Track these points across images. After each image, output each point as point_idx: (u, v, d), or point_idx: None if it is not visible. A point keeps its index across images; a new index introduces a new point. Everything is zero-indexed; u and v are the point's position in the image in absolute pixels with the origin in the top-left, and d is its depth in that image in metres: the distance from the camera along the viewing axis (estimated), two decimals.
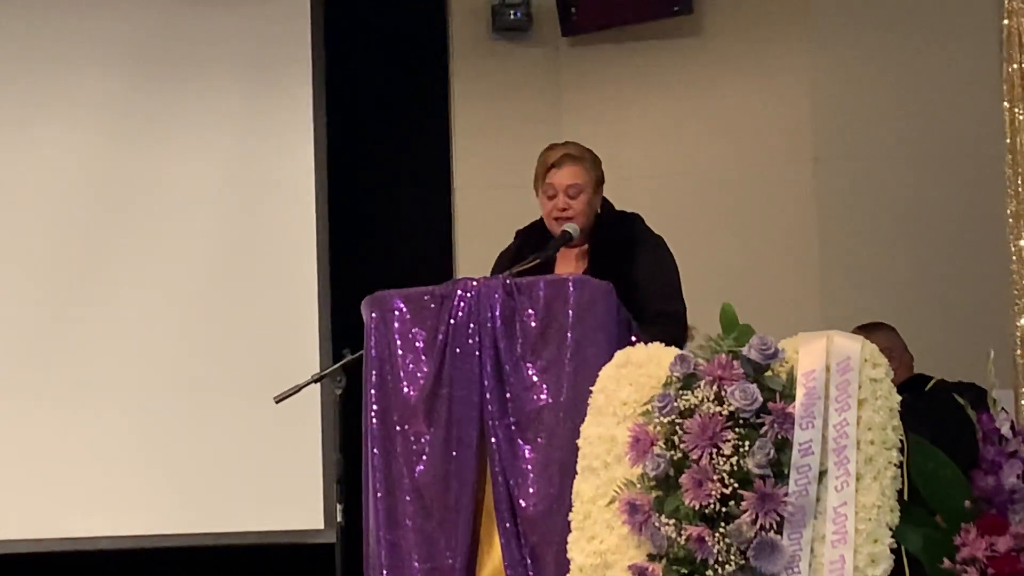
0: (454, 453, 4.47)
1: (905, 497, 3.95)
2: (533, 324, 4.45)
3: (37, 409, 7.18)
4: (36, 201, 7.32)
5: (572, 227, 4.95)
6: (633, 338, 4.42)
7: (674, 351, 4.05)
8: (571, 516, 4.09)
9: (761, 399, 3.85)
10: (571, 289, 4.44)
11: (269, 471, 7.19)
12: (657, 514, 3.86)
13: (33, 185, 7.32)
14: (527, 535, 4.37)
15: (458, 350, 4.49)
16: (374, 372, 4.57)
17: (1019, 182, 6.24)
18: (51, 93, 7.37)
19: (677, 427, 3.87)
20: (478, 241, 7.23)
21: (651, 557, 3.90)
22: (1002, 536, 3.91)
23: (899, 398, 3.92)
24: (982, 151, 6.85)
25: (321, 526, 7.12)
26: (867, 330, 5.88)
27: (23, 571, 7.11)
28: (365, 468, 4.59)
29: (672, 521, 3.83)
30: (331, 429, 6.64)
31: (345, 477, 4.93)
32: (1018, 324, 6.30)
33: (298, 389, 5.06)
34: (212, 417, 7.21)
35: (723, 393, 3.86)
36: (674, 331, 4.68)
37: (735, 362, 3.90)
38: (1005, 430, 4.04)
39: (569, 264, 5.01)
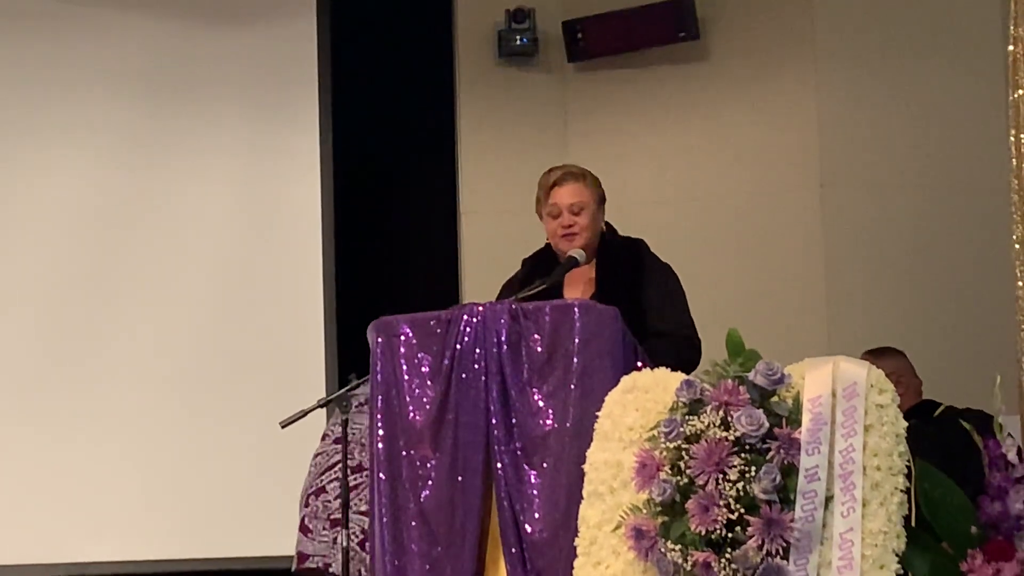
0: (460, 478, 4.47)
1: (913, 524, 3.95)
2: (539, 349, 4.45)
3: (42, 434, 7.18)
4: (42, 225, 7.33)
5: (579, 252, 4.95)
6: (639, 363, 4.42)
7: (680, 376, 4.05)
8: (577, 541, 4.08)
9: (767, 424, 3.85)
10: (577, 314, 4.44)
11: (274, 496, 7.15)
12: (663, 540, 3.86)
13: (40, 209, 7.34)
14: (533, 560, 4.36)
15: (464, 375, 4.49)
16: (380, 397, 4.57)
17: None
18: (59, 117, 7.39)
19: (683, 452, 3.87)
20: (485, 266, 7.24)
21: None
22: (1008, 562, 3.90)
23: (905, 424, 3.91)
24: (987, 177, 6.85)
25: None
26: (876, 355, 5.88)
27: None
28: (371, 493, 4.58)
29: (678, 547, 3.82)
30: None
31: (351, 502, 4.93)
32: None
33: (304, 414, 5.06)
34: (217, 442, 7.21)
35: (729, 418, 3.86)
36: (690, 354, 4.70)
37: (741, 387, 3.90)
38: (1011, 456, 4.04)
39: (576, 289, 5.01)
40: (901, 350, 6.07)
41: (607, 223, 5.12)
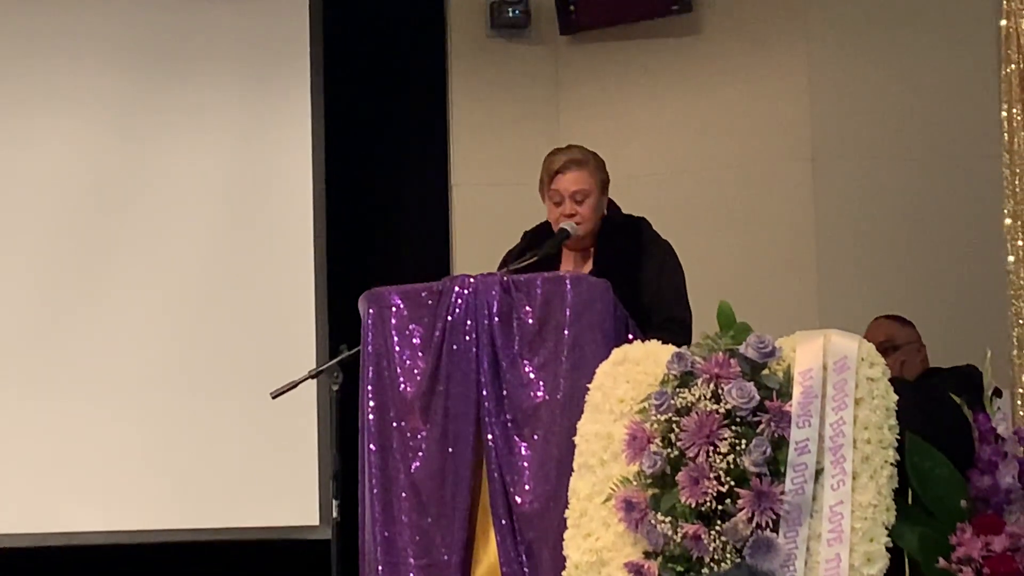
0: (450, 450, 4.47)
1: (909, 501, 3.96)
2: (530, 321, 4.45)
3: (34, 404, 7.17)
4: (33, 197, 7.30)
5: (570, 225, 4.95)
6: (630, 336, 4.42)
7: (671, 349, 4.06)
8: (567, 513, 4.09)
9: (758, 397, 3.86)
10: (569, 287, 4.44)
11: (265, 467, 7.18)
12: (653, 512, 3.87)
13: (30, 181, 7.31)
14: (523, 532, 4.37)
15: (455, 347, 4.49)
16: (371, 368, 4.57)
17: (1016, 182, 6.22)
18: (49, 89, 7.35)
19: (674, 425, 3.88)
20: (476, 238, 7.24)
21: (647, 555, 3.90)
22: (998, 536, 3.91)
23: (896, 397, 3.92)
24: (979, 151, 6.84)
25: (317, 522, 7.12)
26: (901, 322, 5.93)
27: (19, 565, 7.11)
28: (361, 464, 4.59)
29: (668, 519, 3.83)
30: (328, 425, 6.66)
31: (341, 473, 4.93)
32: (1016, 324, 6.31)
33: (295, 385, 5.06)
34: (208, 412, 7.20)
35: (720, 391, 3.87)
36: (680, 339, 4.68)
37: (732, 360, 3.91)
38: (1002, 430, 4.04)
39: (572, 265, 5.01)
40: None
41: (611, 201, 5.11)
